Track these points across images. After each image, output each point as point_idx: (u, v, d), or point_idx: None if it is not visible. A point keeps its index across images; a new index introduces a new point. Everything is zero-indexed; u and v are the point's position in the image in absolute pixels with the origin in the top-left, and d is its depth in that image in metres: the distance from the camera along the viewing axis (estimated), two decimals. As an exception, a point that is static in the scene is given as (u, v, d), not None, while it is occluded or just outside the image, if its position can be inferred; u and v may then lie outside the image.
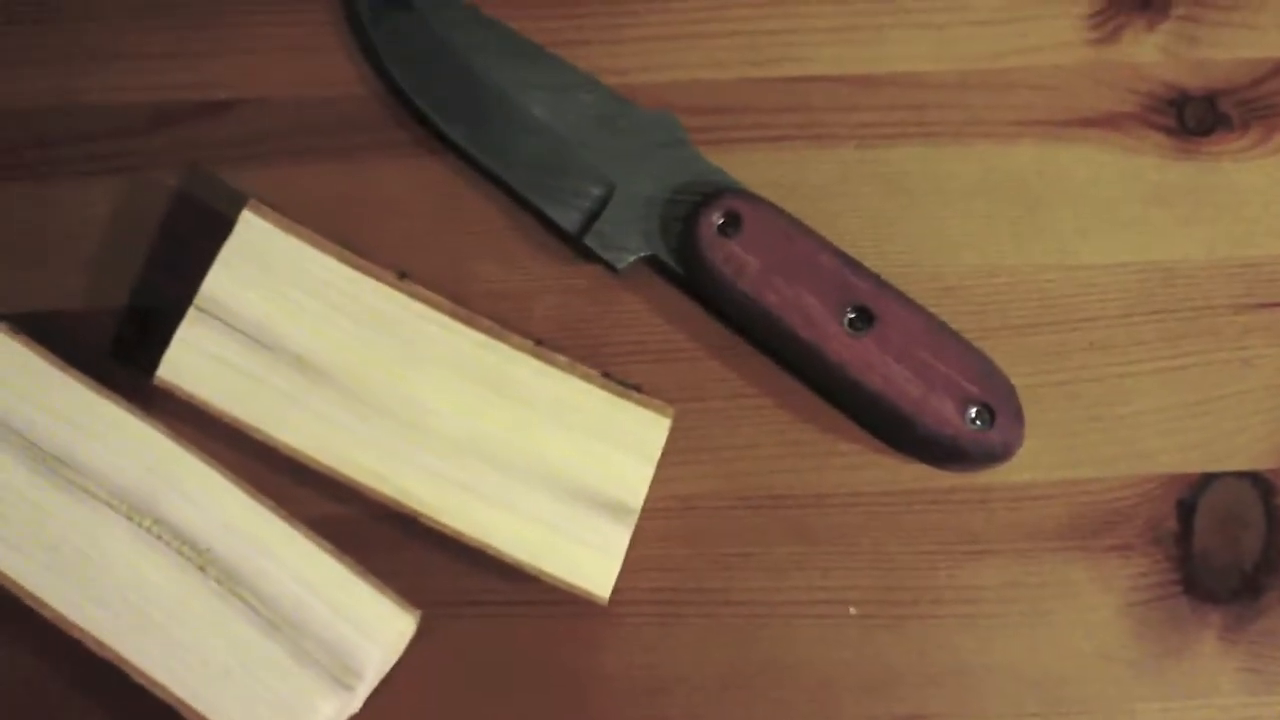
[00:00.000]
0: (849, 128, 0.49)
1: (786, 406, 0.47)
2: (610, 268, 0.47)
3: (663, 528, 0.45)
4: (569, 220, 0.47)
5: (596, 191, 0.47)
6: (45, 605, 0.42)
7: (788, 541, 0.46)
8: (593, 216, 0.47)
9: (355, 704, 0.43)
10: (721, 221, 0.45)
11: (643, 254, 0.47)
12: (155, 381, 0.44)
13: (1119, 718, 0.45)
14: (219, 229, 0.46)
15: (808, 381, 0.47)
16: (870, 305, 0.45)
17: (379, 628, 0.43)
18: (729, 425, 0.47)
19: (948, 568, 0.46)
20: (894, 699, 0.45)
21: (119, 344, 0.47)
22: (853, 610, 0.45)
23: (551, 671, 0.45)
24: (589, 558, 0.43)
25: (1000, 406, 0.44)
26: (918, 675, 0.45)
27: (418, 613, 0.43)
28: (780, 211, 0.46)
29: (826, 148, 0.49)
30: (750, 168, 0.48)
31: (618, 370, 0.46)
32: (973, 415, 0.44)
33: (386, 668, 0.43)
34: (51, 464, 0.43)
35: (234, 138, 0.49)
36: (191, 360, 0.44)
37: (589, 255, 0.47)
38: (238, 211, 0.46)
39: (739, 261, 0.45)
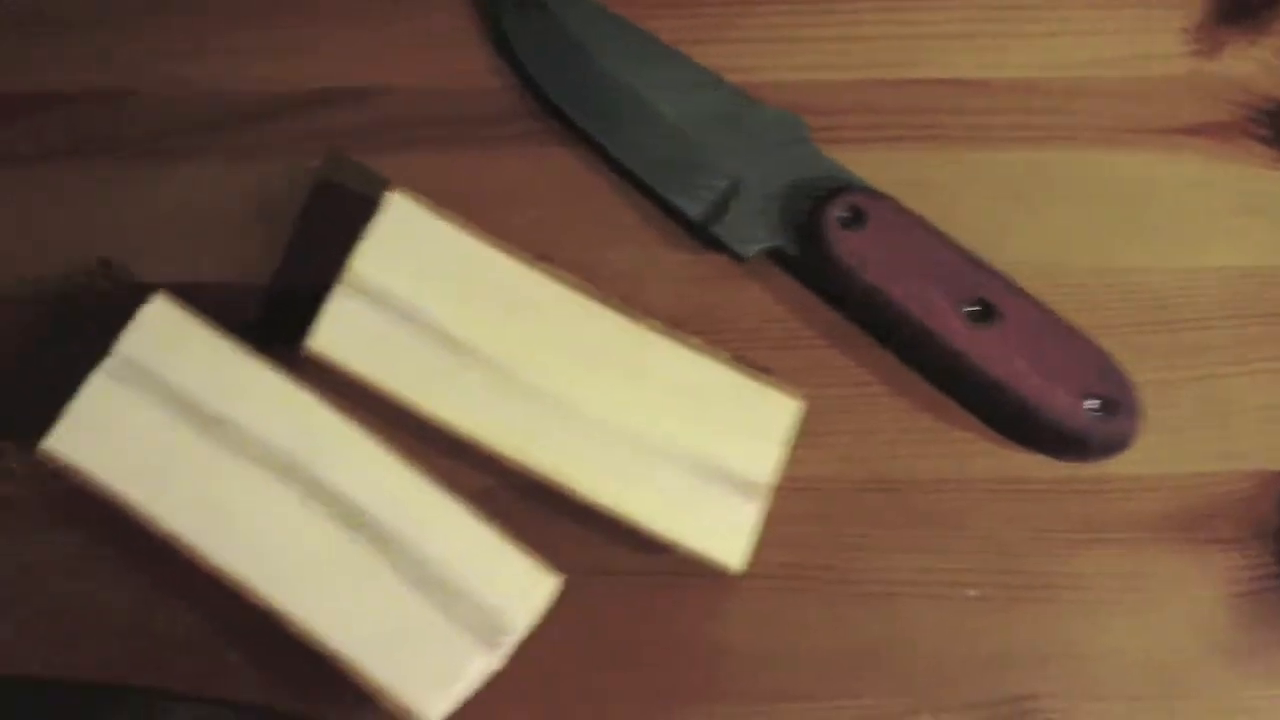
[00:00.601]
0: (963, 130, 0.51)
1: (903, 395, 0.49)
2: (736, 257, 0.49)
3: (787, 507, 0.47)
4: (697, 211, 0.49)
5: (723, 185, 0.49)
6: (207, 559, 0.44)
7: (906, 524, 0.48)
8: (719, 208, 0.49)
9: (498, 663, 0.44)
10: (845, 215, 0.47)
11: (768, 244, 0.48)
12: (304, 352, 0.46)
13: (1224, 703, 0.46)
14: (359, 212, 0.48)
15: (925, 372, 0.48)
16: (991, 298, 0.46)
17: (526, 590, 0.44)
18: (848, 412, 0.48)
19: (1061, 554, 0.47)
20: (1007, 678, 0.46)
21: (261, 321, 0.49)
22: (971, 593, 0.47)
23: (678, 640, 0.46)
24: (722, 531, 0.45)
25: (1120, 399, 0.46)
26: (1031, 656, 0.46)
27: (562, 576, 0.45)
28: (902, 207, 0.48)
29: (941, 149, 0.51)
30: (866, 166, 0.50)
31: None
32: (1093, 407, 0.46)
33: (527, 629, 0.45)
34: (211, 425, 0.45)
35: (372, 125, 0.51)
36: (340, 331, 0.46)
37: (714, 245, 0.49)
38: (376, 195, 0.47)
39: (863, 254, 0.47)
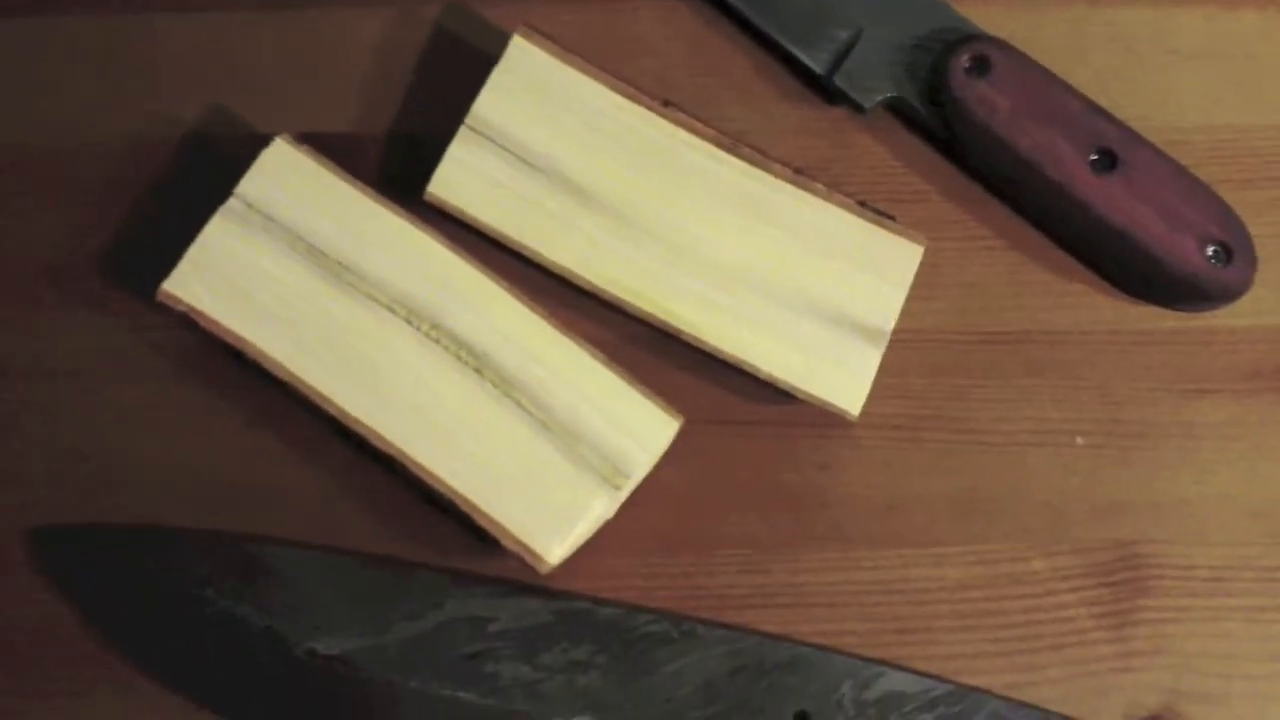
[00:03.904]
0: (1080, -15, 0.51)
1: (1018, 248, 0.49)
2: (857, 108, 0.49)
3: (901, 358, 0.48)
4: (819, 61, 0.49)
5: (845, 35, 0.49)
6: (330, 402, 0.44)
7: (1019, 375, 0.48)
8: (841, 59, 0.49)
9: (616, 506, 0.45)
10: (972, 63, 0.47)
11: (890, 94, 0.48)
12: (426, 197, 0.46)
13: (1334, 549, 0.47)
14: (477, 63, 0.48)
15: (1044, 224, 0.49)
16: (1115, 147, 0.46)
17: (648, 433, 0.45)
18: (963, 264, 0.49)
19: (1170, 404, 0.48)
20: (1118, 525, 0.47)
21: (379, 170, 0.49)
22: (1080, 440, 0.48)
23: (791, 487, 0.47)
24: (842, 377, 0.46)
25: (1237, 246, 0.46)
26: (1141, 503, 0.47)
27: (681, 418, 0.45)
28: (1027, 57, 0.48)
29: (1060, 6, 0.51)
30: (985, 21, 0.50)
31: (858, 208, 0.48)
32: (1210, 254, 0.46)
33: (646, 472, 0.45)
34: (337, 270, 0.45)
35: (489, -25, 0.51)
36: (462, 177, 0.46)
37: (834, 99, 0.49)
38: (494, 47, 0.47)
39: (990, 102, 0.47)
